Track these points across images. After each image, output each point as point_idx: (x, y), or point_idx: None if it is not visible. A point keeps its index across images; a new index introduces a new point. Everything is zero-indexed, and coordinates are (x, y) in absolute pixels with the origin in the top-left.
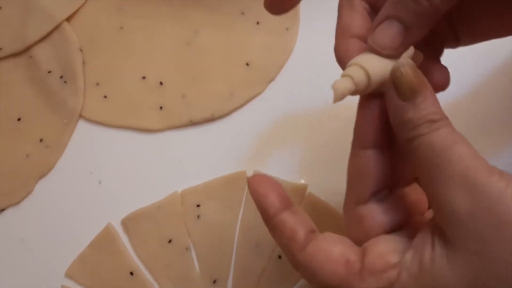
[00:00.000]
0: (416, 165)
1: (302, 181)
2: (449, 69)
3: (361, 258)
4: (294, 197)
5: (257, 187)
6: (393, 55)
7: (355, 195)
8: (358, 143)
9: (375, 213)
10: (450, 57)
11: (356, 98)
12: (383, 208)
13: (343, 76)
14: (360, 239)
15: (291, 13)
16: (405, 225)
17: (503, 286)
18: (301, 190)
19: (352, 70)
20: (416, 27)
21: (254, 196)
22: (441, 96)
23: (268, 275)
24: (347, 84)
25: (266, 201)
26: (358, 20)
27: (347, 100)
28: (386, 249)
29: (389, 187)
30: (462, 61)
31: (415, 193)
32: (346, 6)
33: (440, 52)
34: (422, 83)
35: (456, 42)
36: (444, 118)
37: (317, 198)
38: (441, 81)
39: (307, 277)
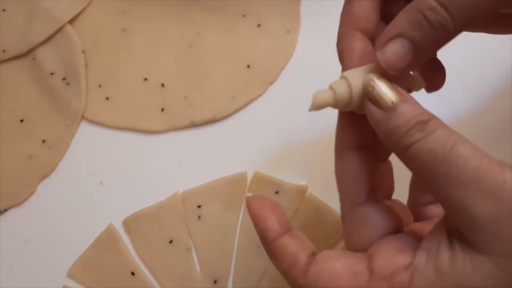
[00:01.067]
0: (418, 174)
1: (303, 182)
2: (448, 71)
3: (369, 265)
4: (294, 198)
5: (257, 210)
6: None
7: (351, 197)
8: (344, 145)
9: (377, 212)
10: (450, 58)
11: None
12: (382, 208)
13: (329, 87)
14: (364, 244)
15: (292, 16)
16: (402, 230)
17: None
18: (301, 191)
19: (338, 83)
20: (427, 51)
21: (254, 219)
22: (441, 98)
23: (268, 276)
24: (327, 97)
25: (266, 224)
26: (367, 10)
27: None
28: (394, 251)
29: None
30: (462, 63)
31: (397, 207)
32: None
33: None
34: (396, 91)
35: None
36: (432, 117)
37: (317, 199)
38: (435, 81)
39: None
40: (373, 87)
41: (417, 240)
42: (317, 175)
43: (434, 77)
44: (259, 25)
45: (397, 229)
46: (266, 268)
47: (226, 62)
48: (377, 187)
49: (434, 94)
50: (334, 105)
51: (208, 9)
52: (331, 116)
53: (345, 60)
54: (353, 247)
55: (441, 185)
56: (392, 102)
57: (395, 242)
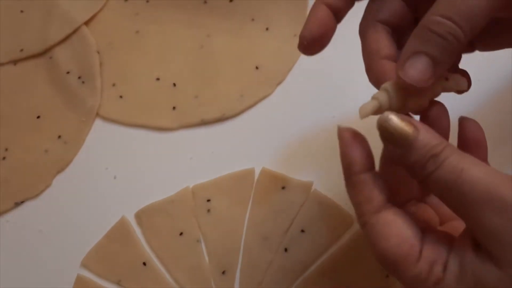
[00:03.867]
0: (440, 198)
1: (308, 178)
2: None
3: (422, 245)
4: (300, 193)
5: (347, 141)
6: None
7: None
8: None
9: (399, 216)
10: None
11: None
12: (403, 212)
13: (372, 98)
14: (391, 247)
15: (299, 20)
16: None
17: None
18: (307, 187)
19: (380, 94)
20: (445, 61)
21: (343, 149)
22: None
23: (275, 267)
24: (372, 107)
25: (354, 157)
26: (385, 42)
27: (348, 102)
28: (437, 245)
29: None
30: (460, 67)
31: (423, 212)
32: (371, 29)
33: (458, 59)
34: (410, 126)
35: (471, 48)
36: (445, 147)
37: (322, 194)
38: (464, 85)
39: (370, 239)
40: (388, 124)
41: (449, 240)
42: (322, 172)
43: (463, 81)
44: (267, 29)
45: (423, 229)
46: (273, 259)
47: (235, 63)
48: (398, 193)
49: None
50: (377, 112)
51: (218, 13)
52: (335, 115)
53: (382, 81)
54: (385, 253)
55: (457, 207)
56: (408, 138)
57: (435, 239)
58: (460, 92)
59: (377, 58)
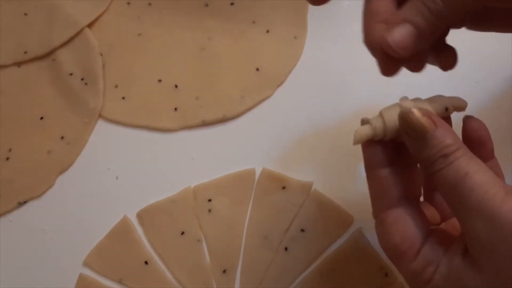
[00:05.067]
0: (442, 194)
1: (308, 179)
2: (445, 76)
3: (424, 242)
4: (300, 193)
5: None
6: (406, 55)
7: (382, 203)
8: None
9: (408, 213)
10: None
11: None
12: (413, 209)
13: (365, 123)
14: (399, 242)
15: (299, 23)
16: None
17: None
18: (307, 187)
19: (375, 120)
20: (428, 35)
21: (365, 144)
22: None
23: (275, 266)
24: (367, 132)
25: (374, 151)
26: (386, 6)
27: (347, 103)
28: (436, 246)
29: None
30: (459, 68)
31: (427, 210)
32: None
33: (446, 32)
34: (429, 121)
35: (460, 25)
36: (458, 148)
37: (322, 194)
38: (449, 61)
39: (377, 232)
40: (406, 119)
41: (449, 242)
42: (322, 172)
43: (447, 57)
44: (268, 31)
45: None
46: (273, 258)
47: (236, 65)
48: (409, 192)
49: None
50: (372, 137)
51: (219, 16)
52: (335, 117)
53: (374, 44)
54: (387, 247)
55: (454, 206)
56: (425, 131)
57: (434, 242)
58: (459, 110)
59: (375, 21)
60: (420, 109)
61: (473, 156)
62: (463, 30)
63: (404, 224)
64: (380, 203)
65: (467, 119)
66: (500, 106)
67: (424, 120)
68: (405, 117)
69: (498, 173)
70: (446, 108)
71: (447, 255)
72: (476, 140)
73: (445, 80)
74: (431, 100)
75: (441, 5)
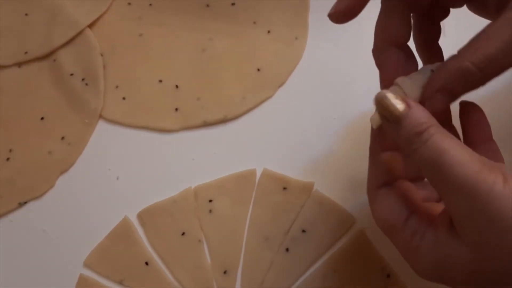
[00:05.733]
0: (423, 173)
1: (309, 179)
2: None
3: (409, 215)
4: (301, 194)
5: (376, 131)
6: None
7: (372, 184)
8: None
9: (390, 195)
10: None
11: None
12: (394, 191)
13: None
14: (386, 215)
15: (300, 23)
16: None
17: (496, 277)
18: (308, 187)
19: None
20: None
21: (373, 132)
22: None
23: (276, 267)
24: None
25: (376, 141)
26: (400, 26)
27: (348, 104)
28: (420, 219)
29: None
30: None
31: (426, 189)
32: (389, 7)
33: (438, 36)
34: (403, 104)
35: (461, 3)
36: (431, 125)
37: (323, 195)
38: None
39: (371, 207)
40: (382, 100)
41: (432, 217)
42: (323, 172)
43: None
44: (269, 32)
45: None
46: (274, 259)
47: (237, 66)
48: (397, 175)
49: None
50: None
51: (220, 17)
52: (336, 117)
53: (383, 71)
54: (376, 218)
55: (435, 184)
56: (400, 114)
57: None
58: None
59: (386, 42)
60: (396, 93)
61: (447, 133)
62: (463, 30)
63: (391, 200)
64: (373, 183)
65: (463, 104)
66: (500, 106)
67: (398, 103)
68: (380, 101)
69: (498, 157)
70: (431, 70)
71: (432, 226)
72: (473, 123)
73: None
74: (419, 71)
75: (478, 74)
